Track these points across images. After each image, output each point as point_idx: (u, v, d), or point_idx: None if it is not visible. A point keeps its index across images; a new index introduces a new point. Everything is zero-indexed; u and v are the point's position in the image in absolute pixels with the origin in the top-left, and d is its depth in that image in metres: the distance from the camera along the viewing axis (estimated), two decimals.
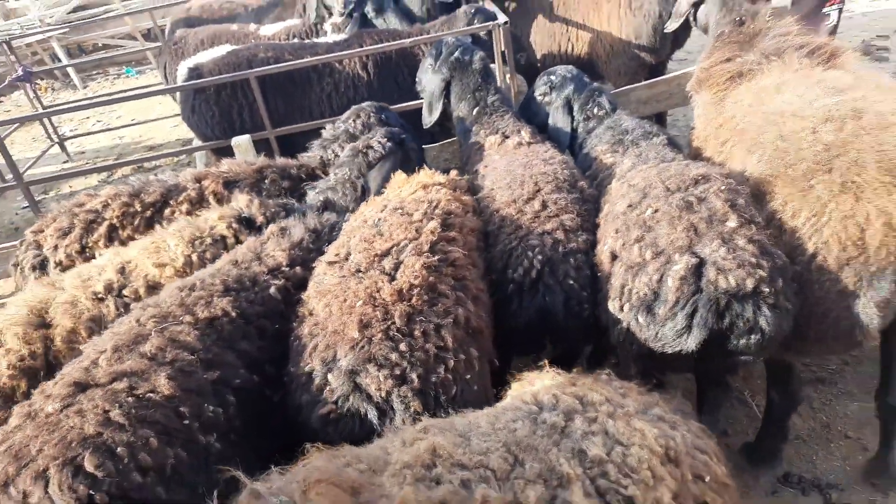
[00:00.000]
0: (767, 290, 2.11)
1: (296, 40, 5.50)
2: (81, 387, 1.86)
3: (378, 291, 2.10)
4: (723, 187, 2.38)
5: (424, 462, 1.43)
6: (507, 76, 4.42)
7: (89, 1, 11.48)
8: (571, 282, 2.56)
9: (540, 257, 2.57)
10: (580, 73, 3.56)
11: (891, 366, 2.69)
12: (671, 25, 3.85)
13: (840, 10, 4.19)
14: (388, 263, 2.19)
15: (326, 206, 2.91)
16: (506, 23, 4.14)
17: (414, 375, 1.98)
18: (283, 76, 4.23)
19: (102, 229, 2.98)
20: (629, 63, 4.98)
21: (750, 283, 2.08)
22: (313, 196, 3.00)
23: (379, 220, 2.45)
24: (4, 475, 1.67)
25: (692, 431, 1.65)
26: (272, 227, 2.64)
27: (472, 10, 4.67)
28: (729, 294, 2.10)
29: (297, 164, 3.34)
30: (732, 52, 3.09)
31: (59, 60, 10.66)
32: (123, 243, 2.96)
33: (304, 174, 3.26)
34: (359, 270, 2.21)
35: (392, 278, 2.14)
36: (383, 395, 1.97)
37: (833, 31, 4.27)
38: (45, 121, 7.68)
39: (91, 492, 1.67)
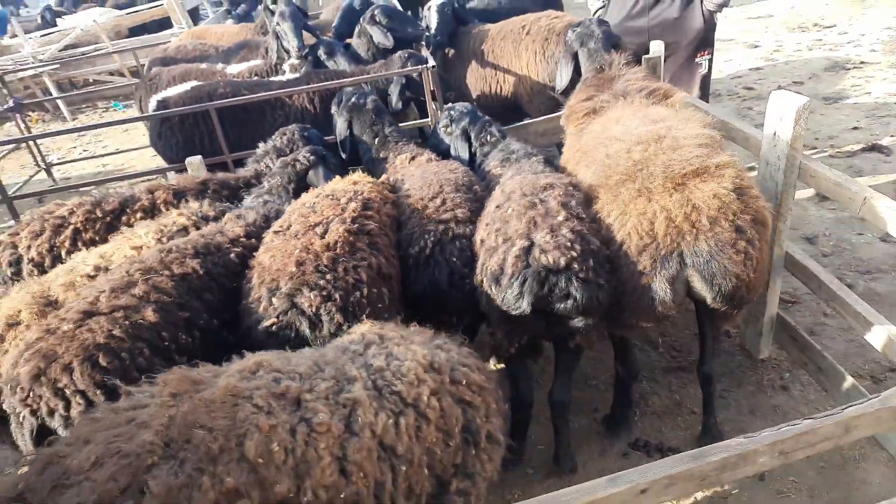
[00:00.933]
0: (578, 266, 2.74)
1: (256, 78, 6.19)
2: (89, 314, 2.52)
3: (311, 244, 2.84)
4: (561, 192, 3.06)
5: (250, 369, 2.05)
6: (438, 112, 5.13)
7: (80, 40, 12.17)
8: (455, 259, 3.18)
9: (432, 239, 3.21)
10: (475, 108, 4.27)
11: (703, 341, 3.37)
12: (559, 85, 4.53)
13: (710, 60, 4.99)
14: (319, 229, 2.93)
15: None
16: (433, 66, 4.83)
17: (337, 295, 2.71)
18: (239, 108, 4.88)
19: (68, 232, 3.48)
20: (547, 102, 5.72)
21: (563, 261, 2.72)
22: (250, 200, 3.66)
23: (314, 203, 3.20)
24: (37, 369, 2.33)
25: (460, 353, 2.31)
26: (229, 214, 3.33)
27: (406, 55, 5.35)
28: (547, 268, 2.74)
29: (234, 177, 3.98)
30: (591, 93, 3.80)
31: (50, 94, 11.27)
32: (86, 244, 3.44)
33: (241, 184, 3.90)
34: (297, 235, 2.93)
35: (322, 237, 2.88)
36: (314, 309, 2.68)
37: (706, 78, 5.07)
38: (34, 148, 8.24)
39: (104, 379, 2.32)
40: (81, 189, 7.34)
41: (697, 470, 1.87)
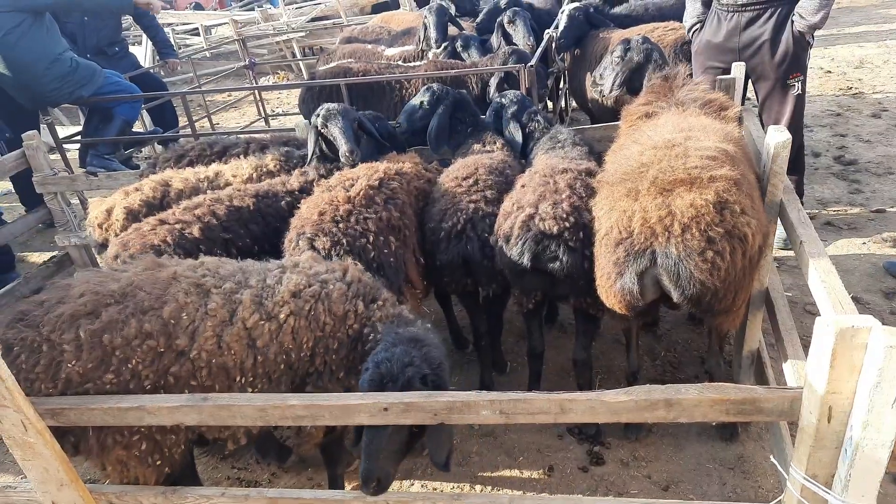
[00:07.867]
0: (568, 235, 3.22)
1: (401, 62, 7.02)
2: (162, 221, 3.59)
3: (336, 197, 3.55)
4: (572, 176, 3.53)
5: (196, 265, 2.89)
6: None
7: (326, 13, 13.91)
8: (486, 235, 3.63)
9: (464, 217, 3.71)
10: (524, 97, 4.67)
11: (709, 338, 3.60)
12: (605, 91, 4.82)
13: (803, 82, 5.00)
14: (348, 184, 3.66)
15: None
16: (531, 66, 5.19)
17: (344, 241, 3.32)
18: (365, 86, 5.76)
19: (186, 161, 4.77)
20: None
21: (556, 229, 3.22)
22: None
23: (361, 167, 3.95)
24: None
25: (331, 294, 2.82)
26: (298, 170, 4.21)
27: (510, 51, 5.72)
28: (542, 233, 3.25)
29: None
30: (650, 98, 3.98)
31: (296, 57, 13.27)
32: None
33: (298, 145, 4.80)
34: (330, 189, 3.68)
35: (347, 191, 3.60)
36: (327, 251, 3.31)
37: (800, 100, 5.07)
38: (258, 101, 9.70)
39: None
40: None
41: (428, 404, 2.20)
